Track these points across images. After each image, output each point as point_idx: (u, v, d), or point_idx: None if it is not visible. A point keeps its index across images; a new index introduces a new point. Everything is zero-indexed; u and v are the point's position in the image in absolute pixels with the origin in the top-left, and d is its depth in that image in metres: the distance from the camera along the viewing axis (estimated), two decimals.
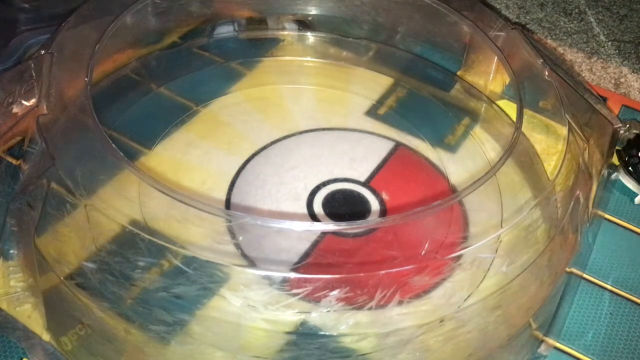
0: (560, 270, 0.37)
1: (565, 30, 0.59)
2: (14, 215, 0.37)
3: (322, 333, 0.33)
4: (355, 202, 0.43)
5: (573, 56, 0.57)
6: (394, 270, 0.32)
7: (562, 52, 0.57)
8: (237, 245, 0.37)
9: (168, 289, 0.33)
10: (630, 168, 0.46)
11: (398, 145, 0.46)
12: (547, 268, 0.36)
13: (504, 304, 0.34)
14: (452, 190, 0.44)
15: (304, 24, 0.52)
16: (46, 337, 0.35)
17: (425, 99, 0.50)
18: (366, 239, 0.40)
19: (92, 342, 0.34)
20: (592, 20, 0.61)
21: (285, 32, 0.52)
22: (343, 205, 0.42)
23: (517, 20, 0.61)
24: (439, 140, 0.47)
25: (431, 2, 0.47)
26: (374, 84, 0.50)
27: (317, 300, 0.32)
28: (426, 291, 0.37)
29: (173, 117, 0.46)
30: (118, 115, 0.46)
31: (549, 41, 0.58)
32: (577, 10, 0.62)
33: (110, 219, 0.33)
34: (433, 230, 0.38)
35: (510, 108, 0.47)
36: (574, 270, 0.40)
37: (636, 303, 0.40)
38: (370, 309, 0.33)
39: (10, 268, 0.37)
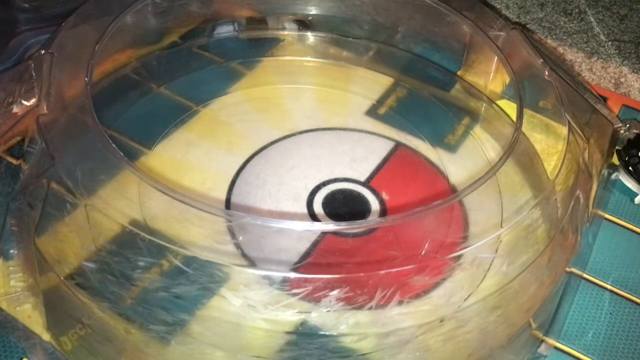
0: (560, 270, 0.37)
1: (565, 30, 0.59)
2: (14, 215, 0.37)
3: (322, 333, 0.33)
4: (355, 202, 0.43)
5: (573, 56, 0.57)
6: (394, 270, 0.32)
7: (562, 52, 0.57)
8: (237, 245, 0.37)
9: (168, 289, 0.33)
10: (630, 168, 0.46)
11: (398, 145, 0.46)
12: (547, 268, 0.36)
13: (504, 304, 0.34)
14: (452, 190, 0.44)
15: (304, 24, 0.52)
16: (46, 337, 0.35)
17: (425, 99, 0.50)
18: (366, 239, 0.40)
19: (92, 342, 0.34)
20: (592, 20, 0.61)
21: (285, 32, 0.52)
22: (343, 205, 0.42)
23: (517, 20, 0.61)
24: (439, 140, 0.47)
25: (431, 2, 0.47)
26: (374, 84, 0.50)
27: (317, 300, 0.32)
28: (426, 291, 0.37)
29: (173, 117, 0.46)
30: (118, 115, 0.46)
31: (549, 41, 0.58)
32: (577, 10, 0.62)
33: (110, 219, 0.33)
34: (433, 230, 0.38)
35: (510, 108, 0.47)
36: (574, 270, 0.39)
37: (636, 303, 0.40)
38: (370, 309, 0.33)
39: (10, 268, 0.37)
